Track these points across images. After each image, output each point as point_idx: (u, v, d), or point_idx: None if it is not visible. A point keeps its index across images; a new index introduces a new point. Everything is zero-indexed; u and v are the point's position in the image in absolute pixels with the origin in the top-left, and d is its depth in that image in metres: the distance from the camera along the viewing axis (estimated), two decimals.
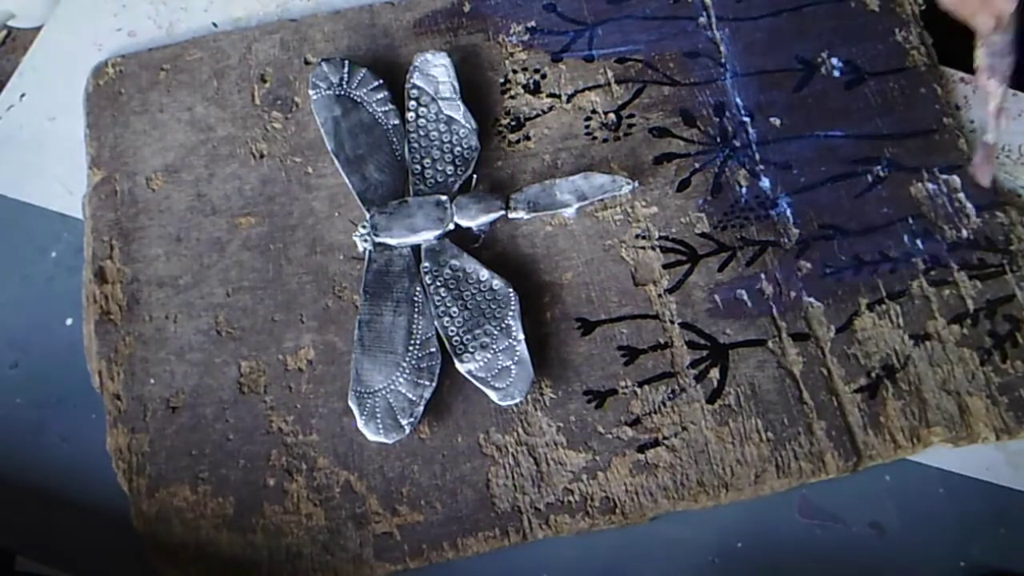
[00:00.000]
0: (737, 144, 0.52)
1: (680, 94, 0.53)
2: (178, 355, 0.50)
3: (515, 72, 0.54)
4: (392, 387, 0.47)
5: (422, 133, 0.51)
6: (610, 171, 0.51)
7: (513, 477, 0.47)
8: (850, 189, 0.51)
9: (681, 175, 0.52)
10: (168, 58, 0.55)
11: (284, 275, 0.51)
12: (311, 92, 0.52)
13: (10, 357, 0.51)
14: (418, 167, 0.51)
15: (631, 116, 0.53)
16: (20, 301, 0.52)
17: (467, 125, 0.51)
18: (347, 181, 0.51)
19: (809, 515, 0.47)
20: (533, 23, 0.55)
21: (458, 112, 0.51)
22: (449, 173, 0.51)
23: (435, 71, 0.52)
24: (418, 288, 0.49)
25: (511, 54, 0.54)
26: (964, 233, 0.50)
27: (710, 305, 0.49)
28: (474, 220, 0.49)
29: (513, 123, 0.53)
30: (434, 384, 0.47)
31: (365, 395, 0.47)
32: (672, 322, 0.49)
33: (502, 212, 0.50)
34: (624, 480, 0.46)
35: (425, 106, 0.52)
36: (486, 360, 0.47)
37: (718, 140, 0.52)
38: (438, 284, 0.49)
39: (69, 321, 0.51)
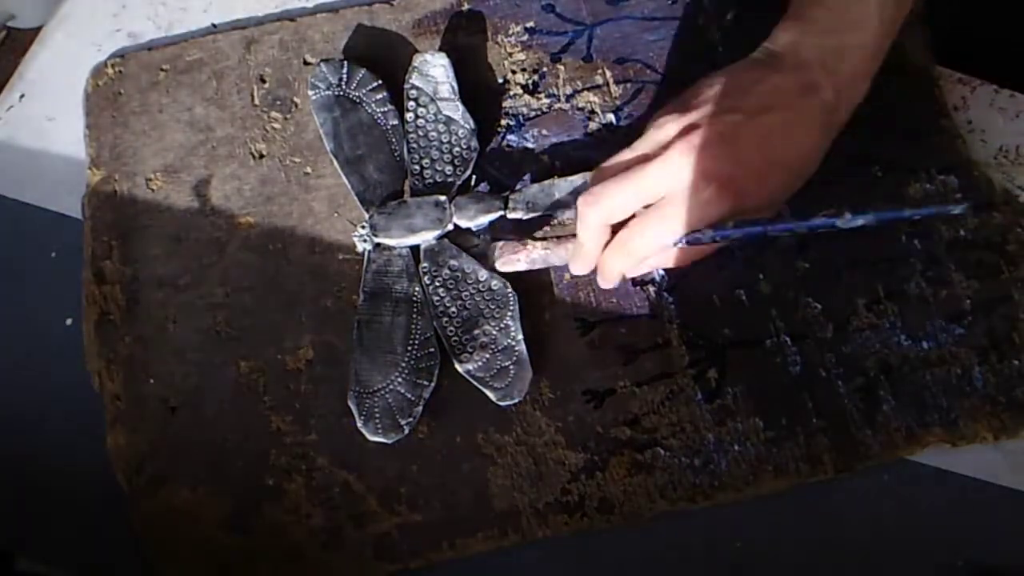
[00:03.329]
0: None
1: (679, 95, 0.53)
2: (178, 355, 0.50)
3: (514, 72, 0.54)
4: (391, 387, 0.47)
5: (421, 134, 0.51)
6: None
7: (512, 477, 0.47)
8: (848, 189, 0.51)
9: None
10: (168, 59, 0.55)
11: (283, 275, 0.51)
12: (310, 93, 0.52)
13: (10, 357, 0.51)
14: (417, 167, 0.51)
15: (630, 116, 0.53)
16: (20, 301, 0.52)
17: (466, 125, 0.51)
18: (346, 181, 0.51)
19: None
20: (532, 23, 0.55)
21: (457, 112, 0.51)
22: (448, 173, 0.51)
23: (434, 72, 0.52)
24: (417, 288, 0.49)
25: (510, 54, 0.54)
26: (961, 233, 0.50)
27: (709, 305, 0.49)
28: (473, 220, 0.50)
29: (512, 123, 0.53)
30: (433, 384, 0.47)
31: (364, 395, 0.47)
32: (671, 322, 0.49)
33: (501, 212, 0.50)
34: (622, 480, 0.46)
35: (424, 106, 0.52)
36: (485, 360, 0.47)
37: None
38: (437, 284, 0.49)
39: (69, 321, 0.52)
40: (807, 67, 0.43)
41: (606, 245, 0.45)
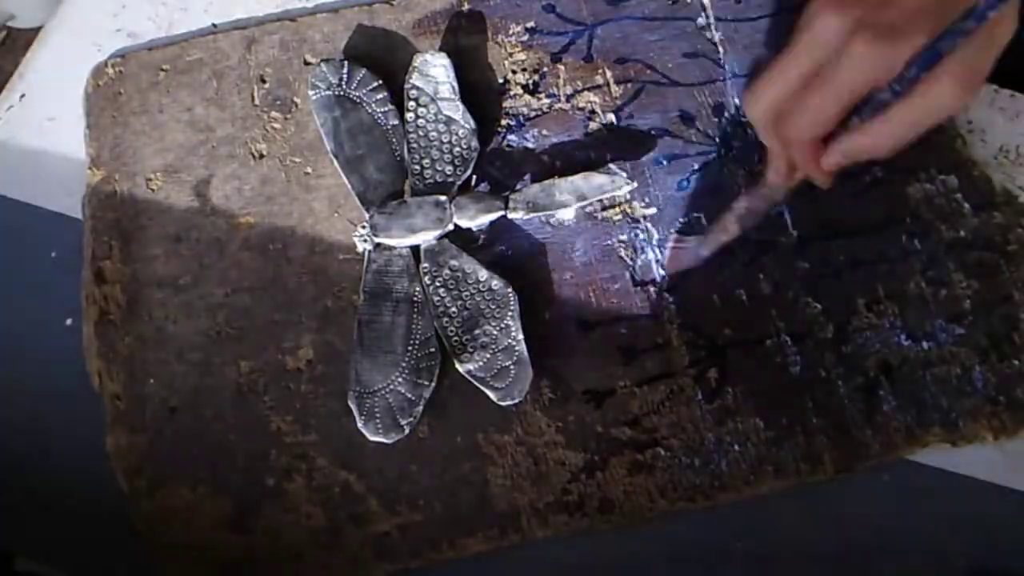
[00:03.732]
0: (736, 144, 0.52)
1: (679, 95, 0.53)
2: (178, 355, 0.50)
3: (514, 72, 0.54)
4: (391, 387, 0.47)
5: (421, 134, 0.51)
6: (609, 171, 0.51)
7: (512, 477, 0.47)
8: (848, 189, 0.51)
9: (680, 175, 0.52)
10: (168, 58, 0.55)
11: (284, 275, 0.51)
12: (310, 92, 0.52)
13: (10, 357, 0.51)
14: (417, 167, 0.51)
15: (630, 116, 0.53)
16: (20, 301, 0.52)
17: (466, 125, 0.51)
18: (346, 181, 0.51)
19: None
20: (532, 24, 0.55)
21: (457, 112, 0.51)
22: (448, 173, 0.51)
23: (434, 72, 0.52)
24: (417, 288, 0.49)
25: (510, 54, 0.54)
26: (961, 233, 0.50)
27: (709, 305, 0.49)
28: (473, 220, 0.50)
29: (512, 123, 0.53)
30: (433, 384, 0.47)
31: (364, 395, 0.47)
32: (671, 322, 0.49)
33: (501, 212, 0.50)
34: (623, 480, 0.46)
35: (424, 106, 0.52)
36: (485, 360, 0.47)
37: (717, 140, 0.52)
38: (437, 284, 0.49)
39: (69, 321, 0.52)
40: None
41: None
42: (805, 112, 0.39)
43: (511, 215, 0.50)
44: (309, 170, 0.53)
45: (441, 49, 0.53)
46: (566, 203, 0.50)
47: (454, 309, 0.48)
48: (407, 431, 0.46)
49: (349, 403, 0.47)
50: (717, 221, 0.48)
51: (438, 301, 0.49)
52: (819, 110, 0.39)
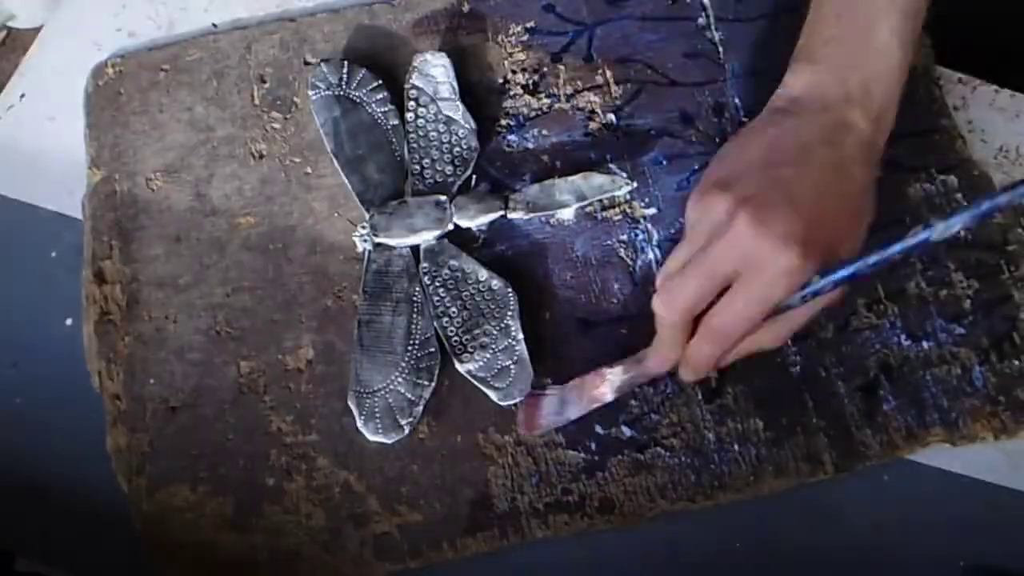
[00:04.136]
0: None
1: (679, 94, 0.53)
2: (178, 355, 0.50)
3: (514, 72, 0.54)
4: (391, 387, 0.47)
5: (421, 133, 0.51)
6: (609, 171, 0.51)
7: (512, 477, 0.47)
8: None
9: (680, 175, 0.52)
10: (168, 58, 0.55)
11: (284, 275, 0.51)
12: (310, 92, 0.52)
13: (10, 357, 0.51)
14: (417, 167, 0.51)
15: (630, 116, 0.53)
16: (20, 301, 0.52)
17: (466, 125, 0.51)
18: (346, 181, 0.51)
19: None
20: (532, 23, 0.55)
21: (457, 112, 0.51)
22: (448, 173, 0.51)
23: (434, 71, 0.52)
24: (417, 288, 0.49)
25: (510, 54, 0.54)
26: (961, 233, 0.50)
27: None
28: (473, 220, 0.50)
29: (512, 123, 0.53)
30: (433, 384, 0.47)
31: (364, 395, 0.47)
32: None
33: (501, 212, 0.50)
34: (623, 480, 0.46)
35: (424, 106, 0.52)
36: (485, 360, 0.47)
37: (717, 140, 0.52)
38: (437, 284, 0.49)
39: (69, 321, 0.52)
40: (835, 106, 0.41)
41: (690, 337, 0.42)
42: (730, 313, 0.40)
43: (511, 215, 0.50)
44: (309, 170, 0.53)
45: (441, 49, 0.53)
46: (566, 203, 0.50)
47: (454, 309, 0.48)
48: (407, 431, 0.46)
49: (349, 403, 0.47)
50: (585, 382, 0.46)
51: (438, 301, 0.49)
52: (745, 316, 0.40)
